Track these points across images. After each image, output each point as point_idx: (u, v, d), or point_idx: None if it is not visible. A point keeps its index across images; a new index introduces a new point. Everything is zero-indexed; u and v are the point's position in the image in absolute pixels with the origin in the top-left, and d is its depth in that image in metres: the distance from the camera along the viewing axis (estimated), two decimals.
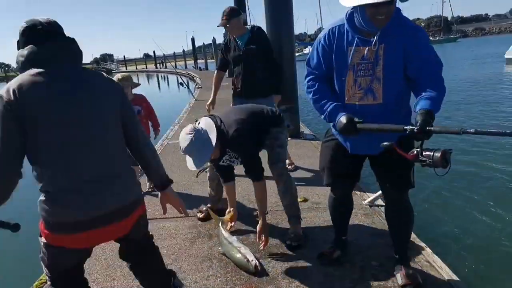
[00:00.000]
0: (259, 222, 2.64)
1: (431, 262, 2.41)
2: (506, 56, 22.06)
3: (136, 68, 67.48)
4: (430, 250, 2.55)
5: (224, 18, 3.82)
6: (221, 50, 4.18)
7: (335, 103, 2.08)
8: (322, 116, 2.15)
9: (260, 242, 2.64)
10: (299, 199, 3.33)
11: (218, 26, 3.94)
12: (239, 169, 2.84)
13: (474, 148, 6.54)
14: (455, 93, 12.43)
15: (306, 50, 65.02)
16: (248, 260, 2.42)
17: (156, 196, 3.81)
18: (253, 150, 2.64)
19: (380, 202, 3.34)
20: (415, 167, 2.04)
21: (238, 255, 2.49)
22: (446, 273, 2.29)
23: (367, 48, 1.96)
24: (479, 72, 18.14)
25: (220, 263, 2.56)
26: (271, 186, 2.82)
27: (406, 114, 2.11)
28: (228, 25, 3.84)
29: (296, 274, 2.38)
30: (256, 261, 2.41)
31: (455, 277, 2.25)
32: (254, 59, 3.86)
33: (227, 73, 4.62)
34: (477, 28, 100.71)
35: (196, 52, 45.69)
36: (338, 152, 2.21)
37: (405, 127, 1.81)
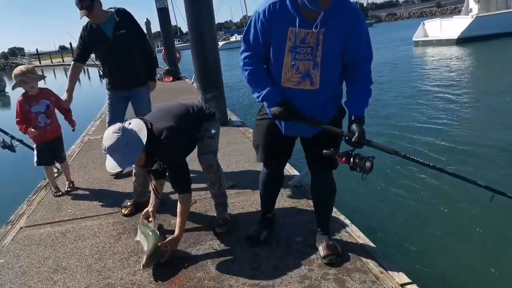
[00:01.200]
0: (175, 234, 2.43)
1: (350, 232, 2.56)
2: (413, 39, 24.05)
3: (52, 62, 62.55)
4: (349, 221, 2.72)
5: (83, 7, 3.34)
6: (83, 39, 3.61)
7: (270, 88, 2.04)
8: (256, 96, 2.12)
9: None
10: (226, 184, 3.36)
11: (81, 18, 3.42)
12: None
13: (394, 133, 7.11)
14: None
15: (233, 38, 65.10)
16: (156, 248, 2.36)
17: (75, 196, 3.63)
18: (181, 161, 2.50)
19: (304, 181, 3.47)
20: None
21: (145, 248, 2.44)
22: (363, 240, 2.46)
23: (308, 31, 1.87)
24: (393, 55, 19.54)
25: None
26: (199, 174, 2.80)
27: (337, 98, 2.15)
28: (91, 14, 3.41)
29: (225, 258, 2.39)
30: (144, 261, 2.29)
31: (371, 244, 2.42)
32: (127, 46, 3.52)
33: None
34: (390, 14, 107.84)
35: (151, 46, 43.21)
36: (272, 131, 2.22)
37: (344, 133, 1.96)
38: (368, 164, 1.89)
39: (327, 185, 2.34)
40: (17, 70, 3.38)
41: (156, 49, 24.28)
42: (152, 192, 2.81)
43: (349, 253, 2.31)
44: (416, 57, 18.96)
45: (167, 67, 14.54)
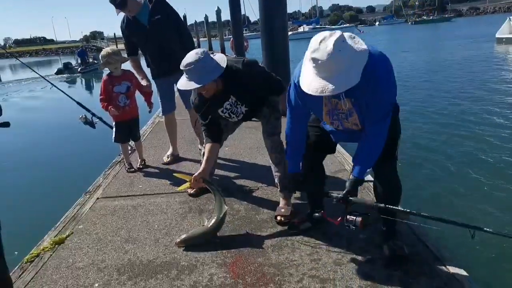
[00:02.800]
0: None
1: (418, 235, 2.45)
2: (496, 36, 22.11)
3: None
4: (417, 224, 2.59)
5: (117, 5, 3.45)
6: (124, 34, 3.77)
7: (293, 160, 2.33)
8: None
9: None
10: None
11: (118, 15, 3.55)
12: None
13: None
14: (442, 72, 12.65)
15: (301, 29, 64.36)
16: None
17: (146, 173, 3.85)
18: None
19: (368, 177, 3.37)
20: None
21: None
22: (432, 245, 2.34)
23: (338, 100, 1.95)
24: (471, 52, 18.18)
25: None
26: (262, 161, 2.83)
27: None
28: (126, 9, 3.49)
29: (285, 247, 2.41)
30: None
31: (441, 249, 2.30)
32: (164, 31, 3.57)
33: None
34: (472, 8, 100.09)
35: (189, 30, 44.92)
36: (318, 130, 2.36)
37: (332, 195, 2.09)
38: (358, 219, 1.94)
39: (389, 181, 2.22)
40: (104, 51, 3.64)
41: (224, 37, 24.84)
42: (206, 157, 2.74)
43: (417, 256, 2.22)
44: (497, 56, 17.35)
45: (235, 56, 14.78)
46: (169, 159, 4.15)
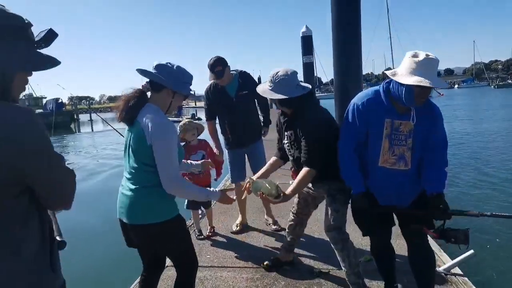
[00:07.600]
0: (287, 192, 2.47)
1: None
2: None
3: None
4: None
5: (215, 73, 3.65)
6: (207, 99, 3.91)
7: (358, 177, 2.33)
8: (344, 178, 2.37)
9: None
10: (363, 259, 3.10)
11: (210, 80, 3.77)
12: None
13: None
14: None
15: None
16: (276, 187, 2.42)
17: (214, 242, 3.80)
18: (319, 139, 2.44)
19: (457, 270, 2.99)
20: None
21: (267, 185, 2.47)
22: None
23: (402, 121, 2.21)
24: None
25: None
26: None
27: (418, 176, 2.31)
28: (221, 79, 3.69)
29: None
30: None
31: None
32: (248, 105, 3.81)
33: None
34: None
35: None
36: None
37: (429, 210, 2.15)
38: (460, 235, 2.03)
39: (425, 253, 2.36)
40: (181, 122, 3.84)
41: None
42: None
43: None
44: None
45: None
46: (238, 228, 4.11)
